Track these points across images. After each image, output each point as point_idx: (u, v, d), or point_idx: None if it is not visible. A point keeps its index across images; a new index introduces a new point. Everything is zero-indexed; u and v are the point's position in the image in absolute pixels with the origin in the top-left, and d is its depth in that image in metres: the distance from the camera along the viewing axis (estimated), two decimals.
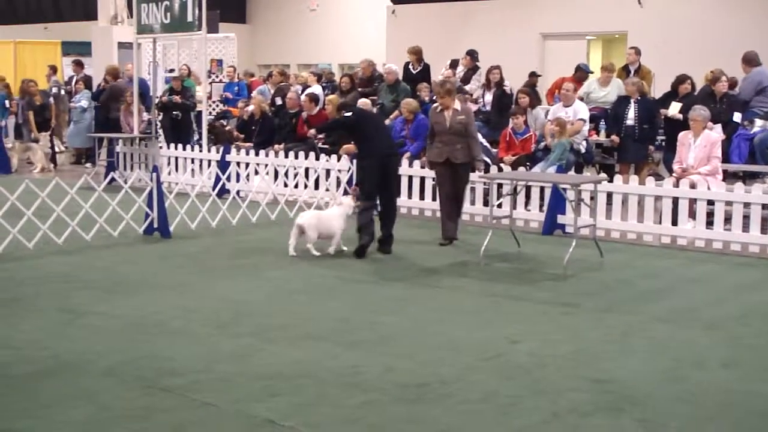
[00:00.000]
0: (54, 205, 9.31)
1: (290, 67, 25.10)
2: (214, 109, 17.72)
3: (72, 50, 23.25)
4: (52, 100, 18.05)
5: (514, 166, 11.89)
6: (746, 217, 9.62)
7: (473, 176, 10.13)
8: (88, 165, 16.72)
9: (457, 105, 9.75)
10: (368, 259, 9.01)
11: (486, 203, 10.89)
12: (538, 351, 5.95)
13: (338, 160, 12.21)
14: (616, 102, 12.89)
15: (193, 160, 14.02)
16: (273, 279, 8.12)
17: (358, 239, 9.07)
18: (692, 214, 9.99)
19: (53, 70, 20.32)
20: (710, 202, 9.87)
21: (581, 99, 12.93)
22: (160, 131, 15.53)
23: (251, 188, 12.03)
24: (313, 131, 13.36)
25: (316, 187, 11.98)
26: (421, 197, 11.81)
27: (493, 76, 14.05)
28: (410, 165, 11.72)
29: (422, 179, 11.70)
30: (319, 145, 13.42)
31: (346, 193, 10.66)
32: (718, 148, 10.53)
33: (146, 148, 14.86)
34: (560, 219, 10.50)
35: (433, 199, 11.24)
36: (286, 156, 12.85)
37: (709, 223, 9.85)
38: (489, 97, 14.06)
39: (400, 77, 14.54)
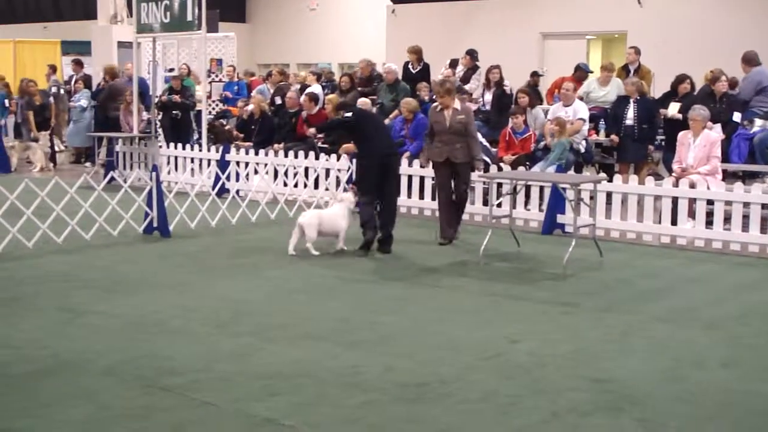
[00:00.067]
0: (54, 204, 9.31)
1: (290, 66, 25.10)
2: (213, 109, 17.72)
3: (71, 49, 23.24)
4: (51, 99, 18.05)
5: (514, 165, 11.89)
6: (746, 217, 9.63)
7: (473, 176, 10.13)
8: (88, 164, 16.72)
9: (457, 104, 9.75)
10: (368, 258, 9.01)
11: (485, 203, 10.89)
12: (537, 350, 5.95)
13: (338, 159, 12.22)
14: (616, 102, 12.89)
15: (192, 160, 14.02)
16: (273, 278, 8.12)
17: (363, 234, 9.15)
18: (692, 214, 9.99)
19: (53, 69, 20.30)
20: (710, 202, 9.87)
21: (581, 98, 12.94)
22: (160, 130, 15.54)
23: (251, 187, 12.03)
24: (313, 130, 13.37)
25: (316, 186, 11.99)
26: (421, 197, 11.81)
27: (492, 76, 14.06)
28: (410, 164, 11.72)
29: (422, 179, 11.70)
30: (319, 144, 13.43)
31: (345, 191, 10.66)
32: (717, 148, 10.53)
33: (146, 147, 14.86)
34: (560, 218, 10.51)
35: (433, 198, 11.24)
36: (286, 155, 12.85)
37: (709, 223, 9.85)
38: (489, 96, 14.07)
39: (400, 77, 14.54)
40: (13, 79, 20.71)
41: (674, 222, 10.03)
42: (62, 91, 18.88)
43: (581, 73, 14.55)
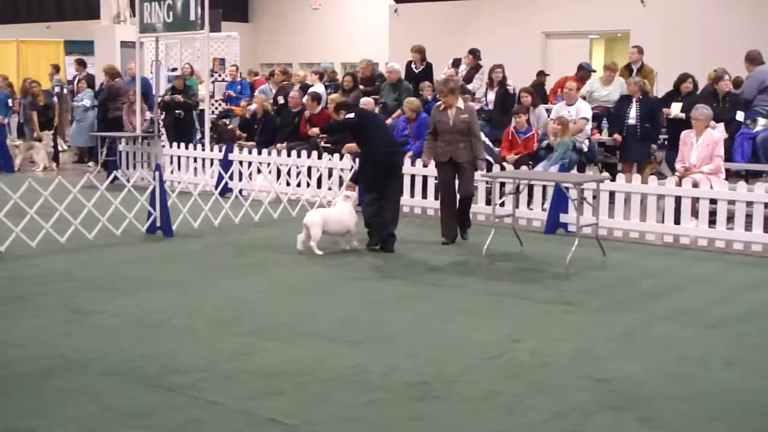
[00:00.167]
0: (57, 203, 9.32)
1: (293, 66, 25.11)
2: (216, 108, 17.73)
3: (74, 49, 23.25)
4: (55, 99, 18.07)
5: (517, 165, 11.89)
6: (749, 216, 9.62)
7: (476, 175, 10.12)
8: (91, 164, 16.73)
9: (461, 104, 9.74)
10: (371, 257, 9.02)
11: (488, 202, 10.88)
12: (540, 350, 5.95)
13: (341, 158, 12.22)
14: (619, 101, 12.89)
15: (195, 159, 14.03)
16: (275, 277, 8.13)
17: (368, 234, 9.25)
18: (695, 213, 9.98)
19: (56, 69, 20.33)
20: (713, 201, 9.86)
21: (584, 98, 12.93)
22: (163, 130, 15.55)
23: (254, 187, 12.04)
24: (316, 130, 13.38)
25: (319, 185, 12.00)
26: (424, 196, 11.81)
27: (495, 75, 14.05)
28: (413, 164, 11.72)
29: (425, 178, 11.70)
30: (322, 144, 13.43)
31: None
32: (720, 147, 10.52)
33: (149, 147, 14.88)
34: (563, 218, 10.50)
35: (436, 198, 11.24)
36: (289, 155, 12.86)
37: (712, 222, 9.85)
38: (491, 95, 14.06)
39: (403, 76, 14.54)
40: (16, 79, 20.74)
41: (677, 221, 10.02)
42: (65, 91, 18.91)
43: (584, 72, 14.54)
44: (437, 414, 4.82)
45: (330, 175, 12.19)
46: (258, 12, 31.11)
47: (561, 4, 20.89)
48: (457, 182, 9.79)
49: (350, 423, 4.69)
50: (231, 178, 12.07)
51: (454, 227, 9.79)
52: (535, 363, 5.68)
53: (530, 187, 10.82)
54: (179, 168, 14.20)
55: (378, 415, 4.79)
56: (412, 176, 11.79)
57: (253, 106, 14.88)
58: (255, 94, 16.54)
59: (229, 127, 16.06)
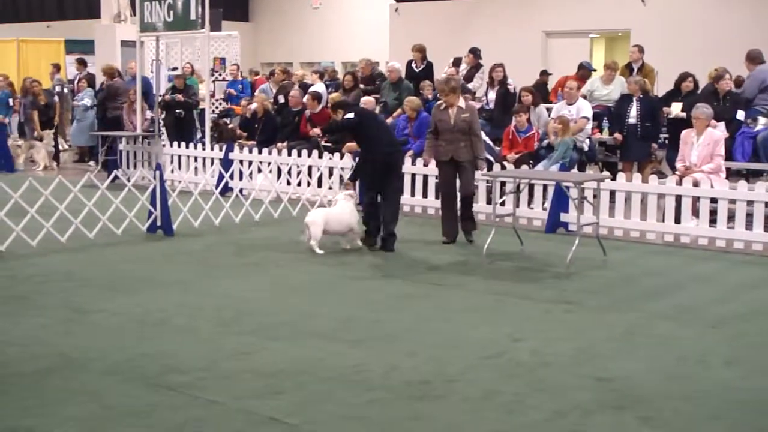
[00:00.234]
0: (57, 203, 9.32)
1: (293, 65, 25.12)
2: (217, 108, 17.72)
3: (75, 48, 23.25)
4: (56, 98, 18.07)
5: (517, 164, 11.88)
6: (749, 215, 9.62)
7: (476, 174, 10.12)
8: (91, 163, 16.73)
9: (462, 103, 9.74)
10: (371, 256, 9.03)
11: (489, 201, 10.88)
12: (540, 349, 5.95)
13: (341, 158, 12.22)
14: (619, 100, 12.88)
15: (196, 158, 14.03)
16: (276, 276, 8.13)
17: (366, 233, 9.32)
18: (695, 212, 9.98)
19: (57, 68, 20.32)
20: (713, 200, 9.86)
21: (584, 97, 12.93)
22: (163, 129, 15.54)
23: (254, 186, 12.04)
24: (317, 131, 13.38)
25: (319, 185, 12.00)
26: (424, 195, 11.81)
27: (496, 74, 14.05)
28: (413, 163, 11.72)
29: (425, 177, 11.70)
30: (322, 143, 13.43)
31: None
32: (721, 146, 10.51)
33: (149, 146, 14.88)
34: (563, 217, 10.50)
35: (436, 197, 11.23)
36: (289, 154, 12.87)
37: (712, 221, 9.85)
38: (492, 95, 14.06)
39: (403, 75, 14.54)
40: (16, 78, 20.73)
41: (678, 220, 10.02)
42: (66, 90, 18.91)
43: (584, 71, 14.53)
44: (437, 413, 4.82)
45: (330, 174, 12.20)
46: (258, 11, 31.12)
47: (561, 4, 20.88)
48: (458, 181, 9.79)
49: (351, 422, 4.69)
50: (231, 177, 12.07)
51: (454, 226, 9.79)
52: (536, 362, 5.68)
53: (531, 187, 10.82)
54: (180, 167, 14.20)
55: (378, 415, 4.79)
56: (413, 175, 11.79)
57: (254, 106, 14.88)
58: (255, 93, 16.54)
59: (230, 126, 16.06)
